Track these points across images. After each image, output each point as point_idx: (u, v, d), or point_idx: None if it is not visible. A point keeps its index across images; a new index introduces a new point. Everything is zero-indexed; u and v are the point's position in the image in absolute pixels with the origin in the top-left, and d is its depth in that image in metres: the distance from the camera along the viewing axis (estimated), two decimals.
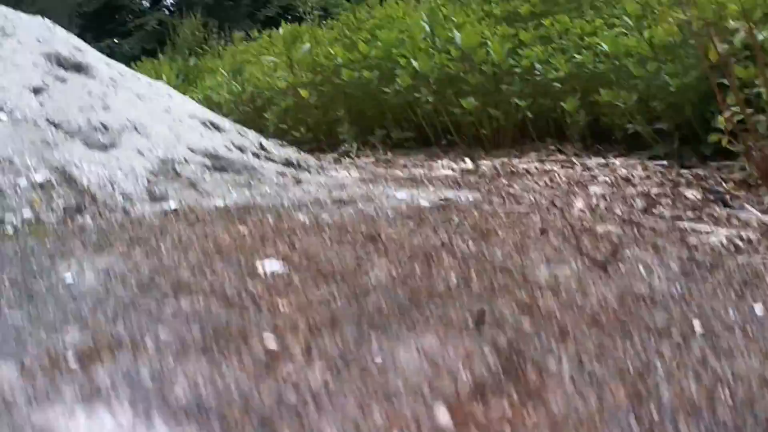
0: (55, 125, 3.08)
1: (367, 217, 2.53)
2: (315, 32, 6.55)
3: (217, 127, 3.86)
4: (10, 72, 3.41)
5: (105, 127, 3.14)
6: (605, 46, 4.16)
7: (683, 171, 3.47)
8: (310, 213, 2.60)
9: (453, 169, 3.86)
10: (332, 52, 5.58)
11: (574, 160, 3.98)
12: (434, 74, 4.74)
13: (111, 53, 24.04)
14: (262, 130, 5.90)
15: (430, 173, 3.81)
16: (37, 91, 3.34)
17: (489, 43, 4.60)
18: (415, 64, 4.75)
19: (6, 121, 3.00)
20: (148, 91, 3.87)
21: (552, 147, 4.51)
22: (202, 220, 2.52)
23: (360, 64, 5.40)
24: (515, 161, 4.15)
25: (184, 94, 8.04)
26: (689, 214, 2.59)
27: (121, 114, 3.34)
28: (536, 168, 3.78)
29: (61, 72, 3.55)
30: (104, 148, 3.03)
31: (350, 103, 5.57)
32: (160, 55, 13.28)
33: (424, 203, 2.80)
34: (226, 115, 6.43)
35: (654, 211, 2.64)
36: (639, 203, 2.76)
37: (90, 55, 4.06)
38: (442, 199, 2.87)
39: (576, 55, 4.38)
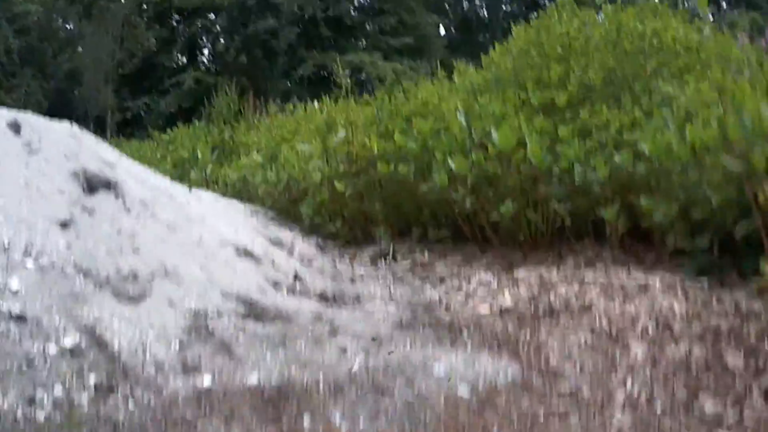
0: (84, 273, 2.97)
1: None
2: (350, 113, 6.46)
3: (250, 255, 3.77)
4: (36, 201, 3.31)
5: (135, 275, 3.04)
6: (644, 146, 4.01)
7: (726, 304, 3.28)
8: (344, 406, 2.49)
9: (491, 308, 3.71)
10: (367, 142, 5.51)
11: (613, 280, 3.80)
12: (471, 174, 4.63)
13: (148, 110, 24.48)
14: (297, 220, 5.87)
15: (467, 307, 3.69)
16: (64, 225, 3.24)
17: (527, 141, 4.48)
18: (451, 163, 4.64)
19: (32, 270, 2.88)
20: (178, 217, 3.79)
21: (590, 253, 4.38)
22: (235, 411, 2.41)
23: (396, 155, 5.32)
24: (553, 277, 4.00)
25: (219, 172, 8.12)
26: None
27: (152, 255, 3.25)
28: (575, 296, 3.61)
29: (89, 201, 3.47)
30: (134, 300, 2.93)
31: (386, 196, 5.49)
32: (196, 122, 13.33)
33: (463, 390, 2.66)
34: (262, 202, 6.38)
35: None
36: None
37: (120, 168, 4.00)
38: (482, 378, 2.74)
39: (614, 154, 4.25)
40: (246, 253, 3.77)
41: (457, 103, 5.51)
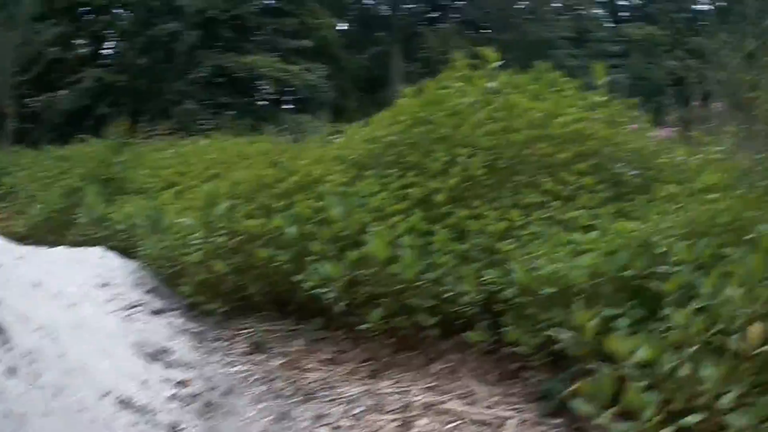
0: None
1: None
2: (236, 177, 6.30)
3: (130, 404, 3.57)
4: None
5: None
6: (515, 271, 3.96)
7: None
8: None
9: None
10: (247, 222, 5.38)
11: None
12: (342, 280, 4.55)
13: (48, 108, 23.74)
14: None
15: None
16: None
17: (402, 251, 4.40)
18: (324, 267, 4.56)
19: None
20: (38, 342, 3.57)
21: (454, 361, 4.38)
22: None
23: (274, 238, 5.22)
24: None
25: (105, 213, 7.86)
26: None
27: None
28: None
29: None
30: None
31: (265, 279, 5.37)
32: (93, 140, 12.85)
33: None
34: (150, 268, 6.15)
35: None
36: None
37: None
38: None
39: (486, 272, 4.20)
40: (127, 404, 3.57)
41: (338, 180, 5.43)
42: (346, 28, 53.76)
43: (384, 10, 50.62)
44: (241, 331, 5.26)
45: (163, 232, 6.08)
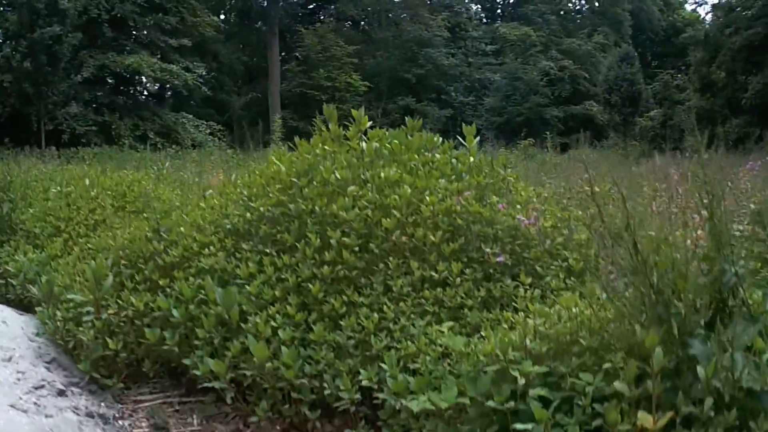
0: None
1: None
2: (119, 241, 6.25)
3: None
4: None
5: None
6: (388, 377, 4.04)
7: None
8: None
9: None
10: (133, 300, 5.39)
11: None
12: (227, 373, 4.63)
13: None
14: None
15: None
16: None
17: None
18: (209, 362, 4.62)
19: None
20: None
21: None
22: None
23: (160, 318, 5.27)
24: None
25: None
26: None
27: None
28: None
29: None
30: None
31: (157, 357, 5.43)
32: None
33: None
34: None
35: None
36: None
37: None
38: None
39: (362, 370, 4.28)
40: None
41: (216, 254, 5.44)
42: (223, 18, 53.44)
43: (261, 1, 50.41)
44: (141, 405, 5.36)
45: (55, 304, 6.01)
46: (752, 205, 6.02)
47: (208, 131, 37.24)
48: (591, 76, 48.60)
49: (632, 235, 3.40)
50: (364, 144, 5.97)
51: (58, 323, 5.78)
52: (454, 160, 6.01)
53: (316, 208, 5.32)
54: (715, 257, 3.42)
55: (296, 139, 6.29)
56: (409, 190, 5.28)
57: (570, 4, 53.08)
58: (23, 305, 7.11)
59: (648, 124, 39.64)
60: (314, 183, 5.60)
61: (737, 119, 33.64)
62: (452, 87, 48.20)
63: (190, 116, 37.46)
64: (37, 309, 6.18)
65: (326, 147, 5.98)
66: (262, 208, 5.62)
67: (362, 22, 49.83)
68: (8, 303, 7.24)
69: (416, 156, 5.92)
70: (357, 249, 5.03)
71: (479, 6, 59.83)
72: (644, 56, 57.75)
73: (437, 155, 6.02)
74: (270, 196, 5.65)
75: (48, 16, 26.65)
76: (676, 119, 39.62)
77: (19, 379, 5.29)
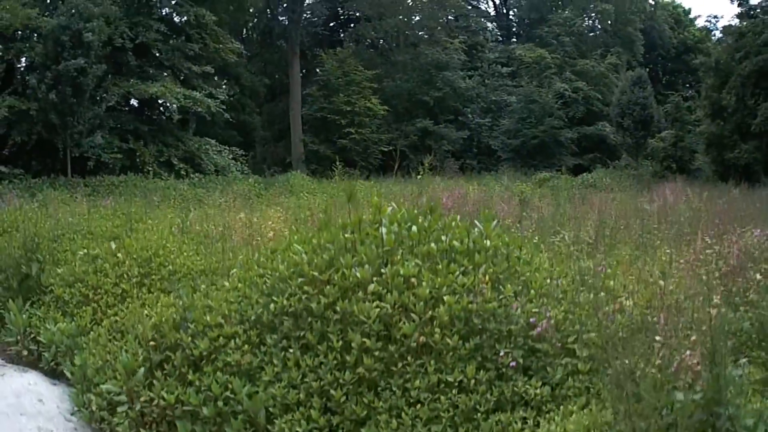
0: None
1: None
2: (145, 325, 6.44)
3: None
4: None
5: None
6: None
7: None
8: None
9: None
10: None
11: None
12: None
13: None
14: None
15: None
16: None
17: None
18: None
19: None
20: None
21: None
22: None
23: (191, 412, 5.50)
24: None
25: (28, 325, 7.93)
26: None
27: None
28: None
29: None
30: None
31: None
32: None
33: None
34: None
35: None
36: None
37: None
38: None
39: None
40: None
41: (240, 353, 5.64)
42: (245, 36, 53.80)
43: (283, 21, 50.75)
44: None
45: (88, 387, 6.24)
46: (758, 275, 6.09)
47: (231, 157, 37.19)
48: (604, 96, 48.56)
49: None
50: (383, 231, 6.11)
51: (93, 410, 5.99)
52: (471, 243, 6.11)
53: (338, 307, 5.49)
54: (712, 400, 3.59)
55: (320, 222, 6.40)
56: (428, 290, 5.44)
57: (584, 25, 52.99)
58: (56, 374, 7.34)
59: (659, 145, 39.63)
60: (335, 278, 5.77)
61: (746, 144, 33.49)
62: (469, 108, 48.19)
63: (213, 141, 37.34)
64: (71, 391, 6.38)
65: (347, 235, 6.14)
66: (285, 302, 5.79)
67: (381, 42, 49.92)
68: (41, 371, 7.48)
69: (434, 246, 6.03)
70: (377, 357, 5.21)
71: (495, 23, 59.93)
72: (656, 73, 57.85)
73: (455, 242, 6.12)
74: (292, 290, 5.83)
75: (73, 48, 26.80)
76: (686, 141, 39.69)
77: None
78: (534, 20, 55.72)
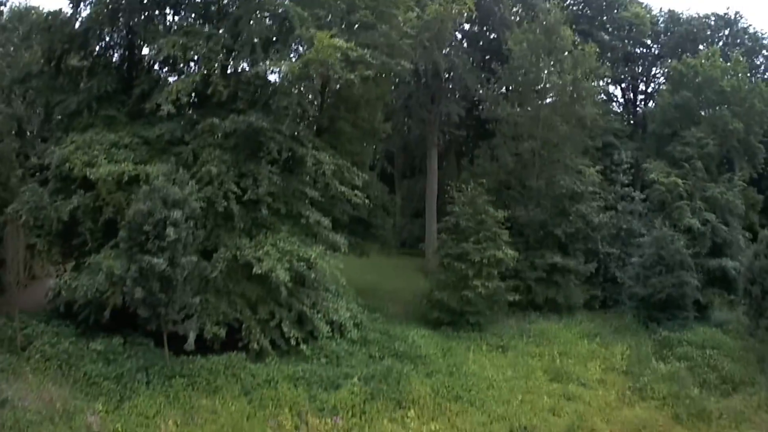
0: None
1: None
2: None
3: None
4: None
5: None
6: None
7: None
8: None
9: None
10: None
11: None
12: None
13: None
14: None
15: None
16: None
17: None
18: None
19: None
20: None
21: None
22: None
23: None
24: None
25: None
26: None
27: None
28: None
29: None
30: None
31: None
32: None
33: None
34: None
35: None
36: None
37: None
38: None
39: None
40: None
41: None
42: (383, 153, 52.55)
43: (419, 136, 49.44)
44: None
45: None
46: None
47: (348, 313, 33.15)
48: (730, 226, 46.16)
49: None
50: None
51: None
52: None
53: None
54: None
55: None
56: None
57: (710, 145, 49.10)
58: None
59: None
60: None
61: None
62: (599, 236, 45.54)
63: (329, 295, 33.83)
64: None
65: None
66: None
67: (515, 162, 47.03)
68: None
69: None
70: None
71: (628, 138, 56.74)
72: None
73: None
74: None
75: (157, 238, 24.31)
76: None
77: None
78: (666, 135, 52.38)
